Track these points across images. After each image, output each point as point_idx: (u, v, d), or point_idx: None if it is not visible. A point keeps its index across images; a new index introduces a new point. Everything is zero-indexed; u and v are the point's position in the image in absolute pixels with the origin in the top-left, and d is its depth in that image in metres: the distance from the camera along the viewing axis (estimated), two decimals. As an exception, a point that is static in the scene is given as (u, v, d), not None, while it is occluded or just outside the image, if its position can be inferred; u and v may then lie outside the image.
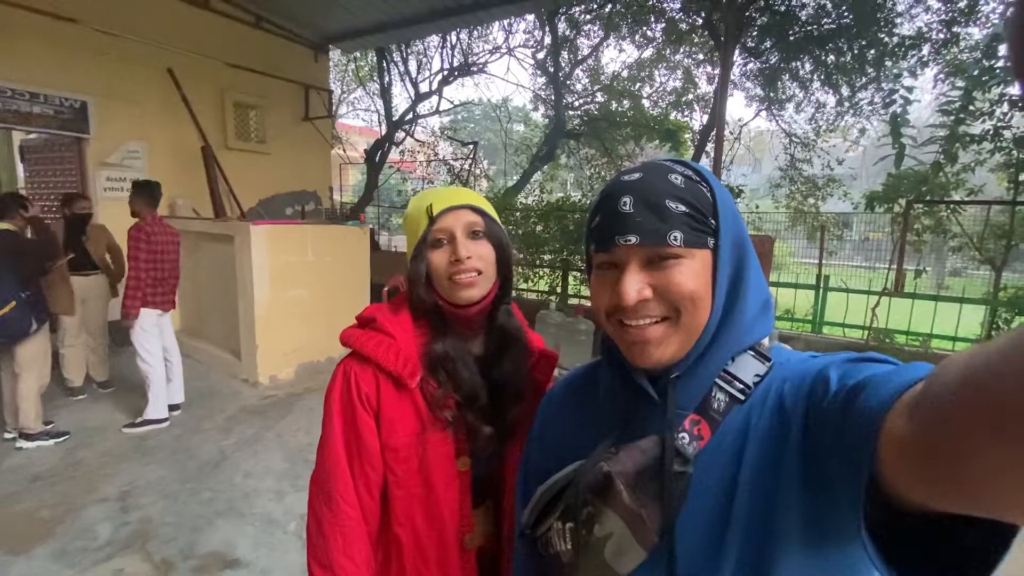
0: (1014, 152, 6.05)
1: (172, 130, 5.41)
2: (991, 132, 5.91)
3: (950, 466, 0.31)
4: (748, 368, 0.57)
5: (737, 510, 0.52)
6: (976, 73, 4.90)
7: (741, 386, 0.56)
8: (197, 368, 4.57)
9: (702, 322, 0.56)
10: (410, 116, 9.11)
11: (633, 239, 0.55)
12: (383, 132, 9.08)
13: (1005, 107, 5.80)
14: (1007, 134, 5.92)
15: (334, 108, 7.51)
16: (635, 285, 0.55)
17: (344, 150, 8.35)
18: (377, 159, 8.50)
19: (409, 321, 0.84)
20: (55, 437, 3.19)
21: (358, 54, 10.56)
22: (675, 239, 0.54)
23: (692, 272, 0.55)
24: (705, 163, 8.18)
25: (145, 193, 3.45)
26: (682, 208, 0.55)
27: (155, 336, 3.45)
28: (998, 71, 4.79)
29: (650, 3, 8.20)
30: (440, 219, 0.80)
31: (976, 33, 6.51)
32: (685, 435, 0.55)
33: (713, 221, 0.56)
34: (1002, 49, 5.02)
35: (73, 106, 4.70)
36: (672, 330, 0.56)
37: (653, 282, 0.55)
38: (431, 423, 0.80)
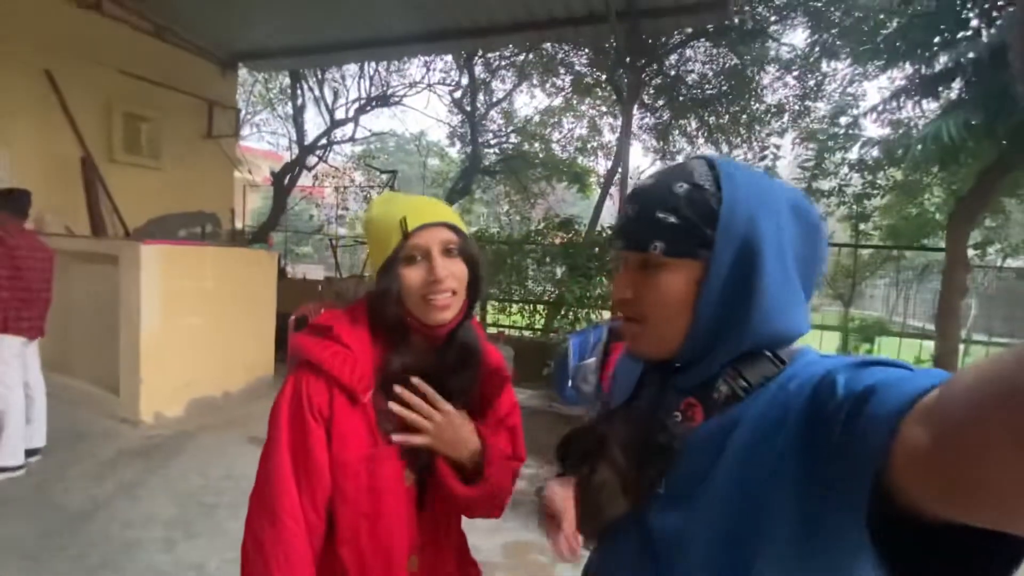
0: (854, 206, 7.30)
1: (44, 138, 4.80)
2: (836, 188, 7.12)
3: (967, 477, 0.31)
4: (759, 369, 0.57)
5: (709, 492, 0.54)
6: (824, 139, 5.90)
7: (745, 384, 0.56)
8: (61, 407, 3.93)
9: (676, 327, 0.59)
10: (323, 141, 8.88)
11: (620, 244, 0.63)
12: (292, 156, 8.75)
13: (846, 169, 7.04)
14: (848, 191, 7.16)
15: (239, 128, 7.12)
16: (620, 284, 0.63)
17: (251, 172, 7.89)
18: (286, 182, 8.14)
19: (367, 333, 0.81)
20: None
21: (267, 76, 10.17)
22: (655, 248, 0.58)
23: (668, 281, 0.58)
24: (609, 205, 8.87)
25: (10, 203, 3.01)
26: (671, 219, 0.57)
27: (16, 368, 2.97)
28: (840, 137, 5.79)
29: (559, 57, 8.89)
30: (415, 235, 0.78)
31: (823, 107, 7.88)
32: (678, 415, 0.60)
33: (710, 231, 0.56)
34: (843, 120, 6.11)
35: (-84, 101, 4.03)
36: (640, 330, 0.62)
37: (639, 285, 0.61)
38: (382, 439, 0.78)
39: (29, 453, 3.07)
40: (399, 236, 0.77)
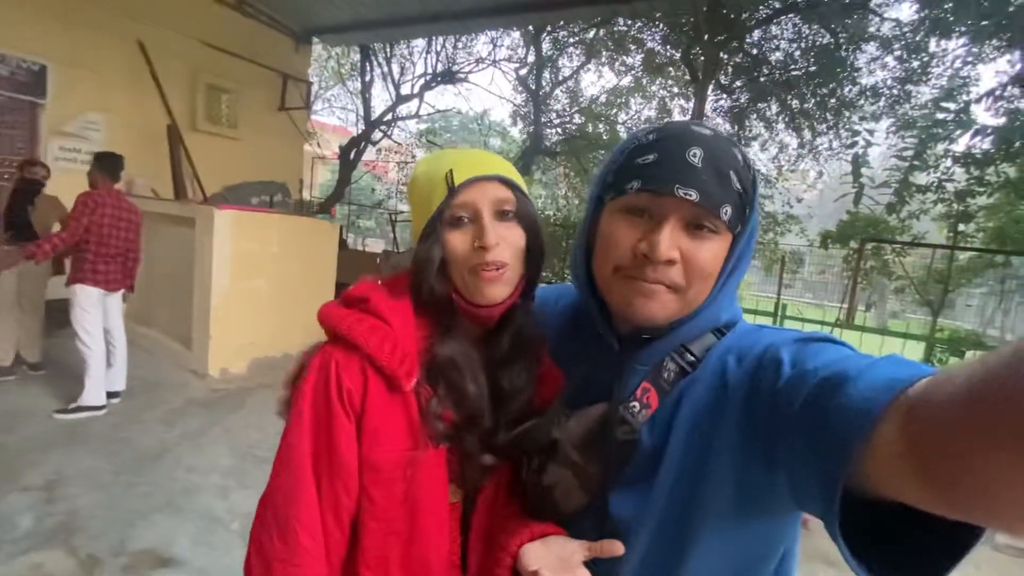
0: (954, 204, 6.55)
1: (136, 105, 5.16)
2: (936, 184, 6.39)
3: (952, 475, 0.31)
4: (702, 342, 0.59)
5: (663, 471, 0.55)
6: (927, 125, 5.30)
7: (692, 359, 0.58)
8: (142, 356, 4.29)
9: (700, 300, 0.57)
10: (389, 117, 9.03)
11: (694, 195, 0.52)
12: (359, 131, 8.96)
13: (949, 162, 6.29)
14: (949, 187, 6.41)
15: (311, 101, 7.36)
16: (668, 242, 0.53)
17: (318, 145, 8.18)
18: (352, 156, 8.36)
19: (410, 309, 0.66)
20: (-26, 419, 2.92)
21: (340, 51, 10.43)
22: (725, 214, 0.53)
23: (716, 252, 0.55)
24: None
25: (107, 165, 3.26)
26: (738, 186, 0.54)
27: (96, 316, 3.23)
28: (948, 124, 5.18)
29: (631, 33, 8.49)
30: (463, 191, 0.63)
31: (927, 92, 7.05)
32: (636, 404, 0.58)
33: (748, 211, 0.56)
34: (951, 106, 5.44)
35: (31, 69, 4.41)
36: (676, 299, 0.56)
37: (682, 247, 0.54)
38: (425, 439, 0.63)
39: (111, 395, 3.36)
40: (443, 192, 0.63)
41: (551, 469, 0.61)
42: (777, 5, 6.82)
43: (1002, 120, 5.39)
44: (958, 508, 0.33)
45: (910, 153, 4.98)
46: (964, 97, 5.96)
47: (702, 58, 5.71)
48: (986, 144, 5.64)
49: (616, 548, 0.56)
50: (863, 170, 5.20)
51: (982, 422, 0.29)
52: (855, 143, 5.73)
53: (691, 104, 7.98)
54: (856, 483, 0.38)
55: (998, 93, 4.21)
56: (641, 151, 0.56)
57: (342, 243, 7.11)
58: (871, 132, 5.71)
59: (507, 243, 0.63)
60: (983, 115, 6.16)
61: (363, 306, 0.65)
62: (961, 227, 6.79)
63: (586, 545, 0.58)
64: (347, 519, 0.63)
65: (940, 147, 6.25)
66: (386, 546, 0.63)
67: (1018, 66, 4.82)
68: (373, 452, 0.62)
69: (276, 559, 0.61)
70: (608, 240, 0.58)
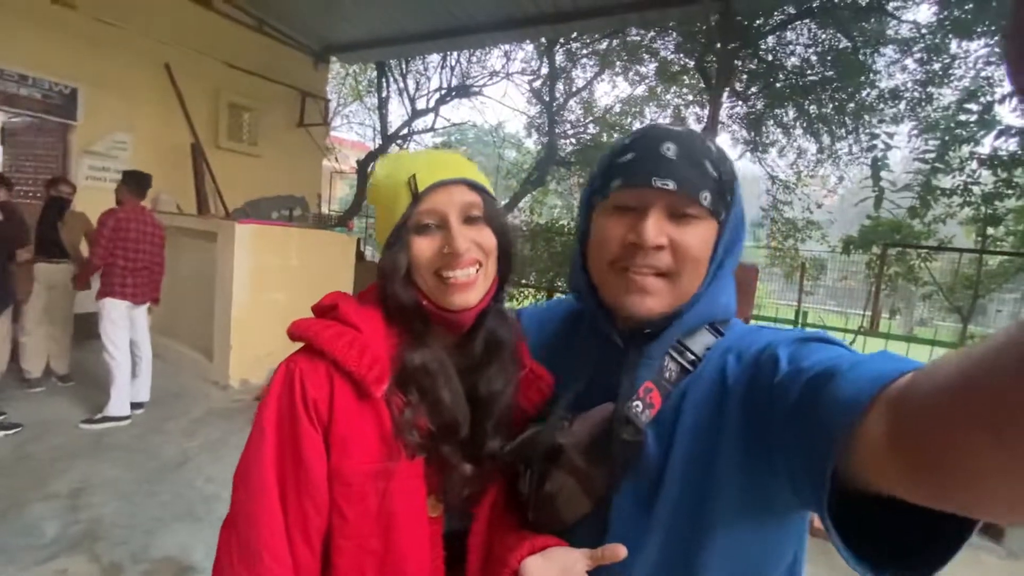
0: (982, 207, 6.36)
1: (162, 124, 5.34)
2: (961, 187, 6.22)
3: (939, 466, 0.31)
4: (701, 340, 0.60)
5: (669, 473, 0.55)
6: (949, 126, 5.18)
7: (692, 357, 0.59)
8: (166, 367, 4.40)
9: (694, 288, 0.58)
10: (405, 131, 9.18)
11: (671, 184, 0.55)
12: (376, 146, 9.13)
13: (975, 164, 6.13)
14: (976, 190, 6.23)
15: (329, 118, 7.53)
16: (656, 229, 0.56)
17: (336, 160, 8.35)
18: (369, 171, 8.51)
19: (380, 316, 0.64)
20: (6, 429, 3.01)
21: (357, 68, 10.67)
22: (705, 199, 0.56)
23: (703, 237, 0.57)
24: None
25: (133, 183, 3.39)
26: (714, 174, 0.57)
27: (123, 328, 3.32)
28: (972, 126, 5.06)
29: (644, 43, 8.51)
30: (428, 197, 0.61)
31: (949, 94, 6.90)
32: (639, 403, 0.58)
33: (729, 197, 0.59)
34: (973, 107, 5.32)
35: (63, 92, 4.61)
36: (668, 286, 0.57)
37: (669, 234, 0.56)
38: (398, 449, 0.60)
39: (135, 406, 3.44)
40: (408, 198, 0.61)
41: (554, 477, 0.60)
42: (792, 11, 6.77)
43: (1029, 121, 5.23)
44: (944, 498, 0.33)
45: (932, 155, 4.85)
46: (987, 98, 5.81)
47: (715, 66, 5.69)
48: (1012, 145, 5.48)
49: (619, 552, 0.55)
50: (883, 174, 5.09)
51: (963, 412, 0.29)
52: (874, 146, 5.61)
53: (706, 111, 7.94)
54: (849, 478, 0.39)
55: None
56: (620, 152, 0.59)
57: (359, 255, 7.20)
58: (891, 135, 5.59)
59: (477, 246, 0.62)
60: (1008, 116, 5.99)
61: (332, 314, 0.63)
62: (990, 231, 6.59)
63: (588, 553, 0.57)
64: (318, 538, 0.59)
65: (965, 149, 6.10)
66: (361, 565, 0.59)
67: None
68: (343, 464, 0.58)
69: None
70: (600, 238, 0.60)
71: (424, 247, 0.62)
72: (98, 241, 3.21)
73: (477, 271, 0.63)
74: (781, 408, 0.46)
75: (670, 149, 0.56)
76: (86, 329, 3.87)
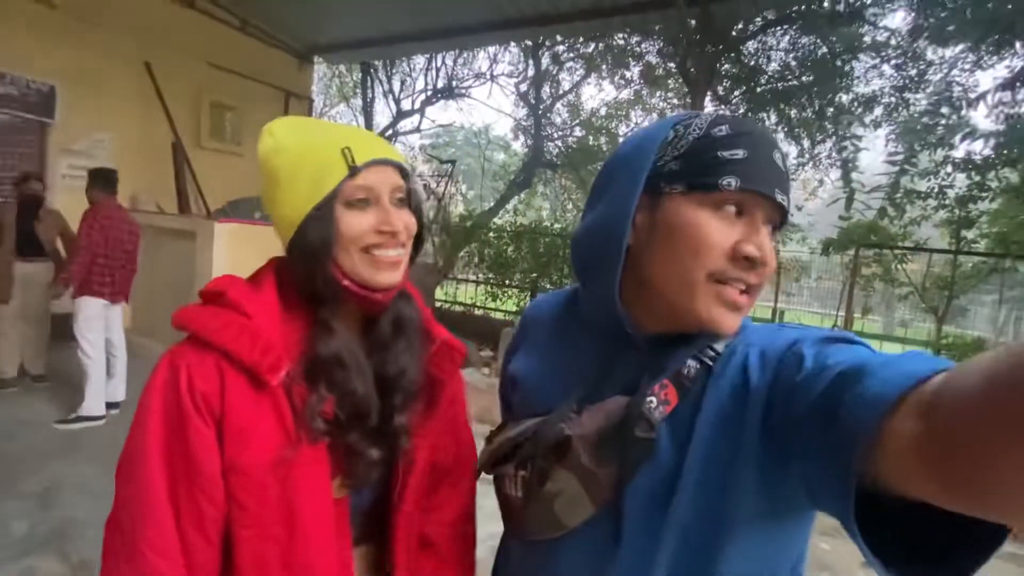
0: (956, 210, 6.52)
1: (143, 123, 5.30)
2: (936, 190, 6.37)
3: (970, 470, 0.30)
4: (722, 339, 0.57)
5: (686, 474, 0.51)
6: (919, 129, 5.32)
7: (713, 353, 0.55)
8: (144, 367, 4.33)
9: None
10: (390, 132, 9.18)
11: (786, 201, 0.52)
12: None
13: (949, 168, 6.28)
14: (950, 193, 6.38)
15: (314, 118, 7.52)
16: (769, 246, 0.52)
17: (321, 160, 8.31)
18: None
19: (275, 301, 0.62)
20: (-24, 429, 2.98)
21: (343, 69, 10.66)
22: (792, 214, 0.56)
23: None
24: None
25: (101, 180, 3.35)
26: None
27: (99, 327, 3.30)
28: (940, 129, 5.19)
29: (629, 47, 8.60)
30: (365, 172, 0.59)
31: (923, 99, 7.05)
32: (653, 399, 0.54)
33: None
34: (945, 110, 5.45)
35: (40, 90, 4.57)
36: (748, 302, 0.54)
37: None
38: (299, 436, 0.58)
39: (110, 405, 3.41)
40: (343, 171, 0.58)
41: (557, 475, 0.55)
42: (771, 16, 6.89)
43: (1002, 126, 5.38)
44: (973, 503, 0.32)
45: (900, 158, 4.98)
46: (961, 101, 5.95)
47: (693, 71, 5.79)
48: (987, 149, 5.62)
49: None
50: (855, 175, 5.21)
51: (997, 414, 0.28)
52: (844, 148, 5.75)
53: (689, 115, 8.03)
54: (872, 481, 0.37)
55: (995, 99, 4.21)
56: (721, 144, 0.52)
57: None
58: (859, 138, 5.73)
59: (407, 228, 0.63)
60: (983, 121, 6.14)
61: (220, 301, 0.60)
62: (965, 233, 6.74)
63: None
64: (215, 531, 0.57)
65: (940, 153, 6.24)
66: (264, 553, 0.58)
67: (1016, 69, 4.84)
68: (240, 456, 0.56)
69: None
70: (700, 239, 0.52)
71: (356, 222, 0.59)
72: (89, 239, 3.18)
73: (403, 251, 0.63)
74: (803, 406, 0.43)
75: (779, 158, 0.52)
76: (63, 330, 3.83)
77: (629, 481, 0.54)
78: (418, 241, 0.68)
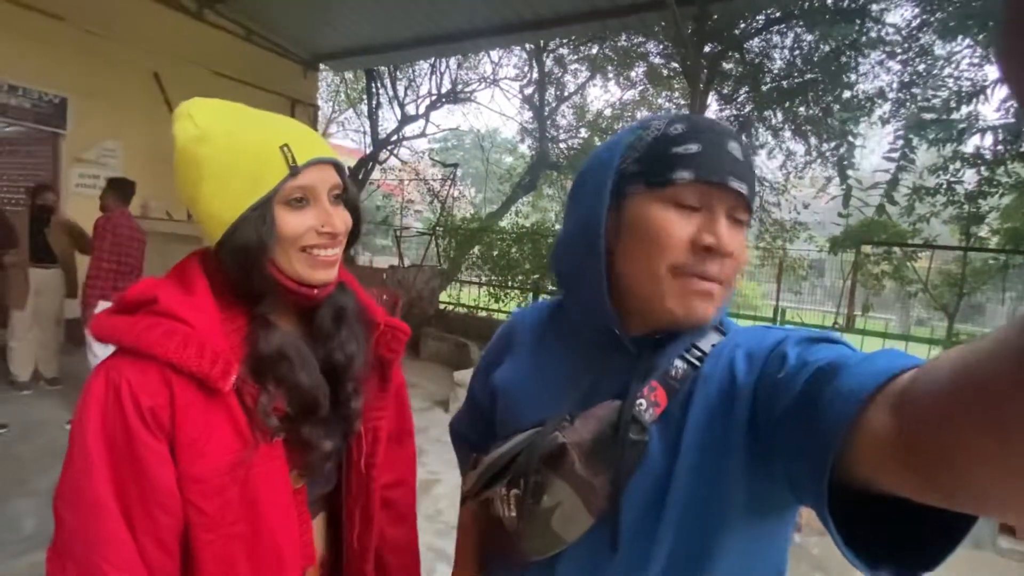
0: (965, 206, 6.42)
1: (152, 132, 5.42)
2: (944, 186, 6.28)
3: (940, 463, 0.31)
4: (708, 339, 0.57)
5: (678, 476, 0.52)
6: (925, 124, 5.26)
7: (699, 354, 0.56)
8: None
9: (730, 294, 0.57)
10: (395, 137, 9.28)
11: (744, 188, 0.53)
12: (368, 151, 9.23)
13: (958, 163, 6.19)
14: (959, 189, 6.29)
15: (324, 127, 7.63)
16: (728, 235, 0.53)
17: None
18: (360, 177, 8.60)
19: (211, 302, 0.60)
20: (-9, 430, 3.08)
21: (351, 76, 10.80)
22: (755, 207, 0.56)
23: (744, 244, 0.55)
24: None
25: (118, 189, 3.46)
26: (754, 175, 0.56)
27: (108, 331, 3.39)
28: (945, 124, 5.13)
29: (633, 48, 8.61)
30: (305, 172, 0.59)
31: (932, 94, 6.95)
32: (643, 401, 0.54)
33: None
34: (952, 104, 5.38)
35: (52, 101, 4.71)
36: (720, 293, 0.54)
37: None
38: (255, 436, 0.58)
39: (119, 407, 3.49)
40: (283, 170, 0.57)
41: (552, 487, 0.54)
42: (775, 14, 6.86)
43: (1011, 120, 5.29)
44: (944, 495, 0.32)
45: (897, 154, 4.93)
46: (969, 96, 5.87)
47: (694, 69, 5.79)
48: (996, 144, 5.53)
49: None
50: (852, 172, 5.17)
51: (963, 408, 0.28)
52: (843, 144, 5.70)
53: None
54: (847, 474, 0.38)
55: (1005, 92, 4.14)
56: (674, 142, 0.53)
57: (351, 259, 7.28)
58: (855, 135, 5.68)
59: (344, 225, 0.64)
60: (992, 115, 6.04)
61: (151, 308, 0.57)
62: (974, 229, 6.63)
63: None
64: (172, 539, 0.57)
65: (948, 148, 6.15)
66: (228, 553, 0.58)
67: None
68: (195, 466, 0.56)
69: None
70: (659, 234, 0.53)
71: (295, 222, 0.59)
72: (102, 247, 3.27)
73: (341, 249, 0.65)
74: (783, 404, 0.45)
75: (735, 149, 0.53)
76: (78, 334, 3.94)
77: (625, 487, 0.53)
78: (353, 235, 0.68)
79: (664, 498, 0.52)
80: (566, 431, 0.55)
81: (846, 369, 0.40)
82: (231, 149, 0.58)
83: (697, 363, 0.55)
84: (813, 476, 0.39)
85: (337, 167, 0.64)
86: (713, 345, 0.56)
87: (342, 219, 0.63)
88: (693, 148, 0.52)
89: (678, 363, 0.55)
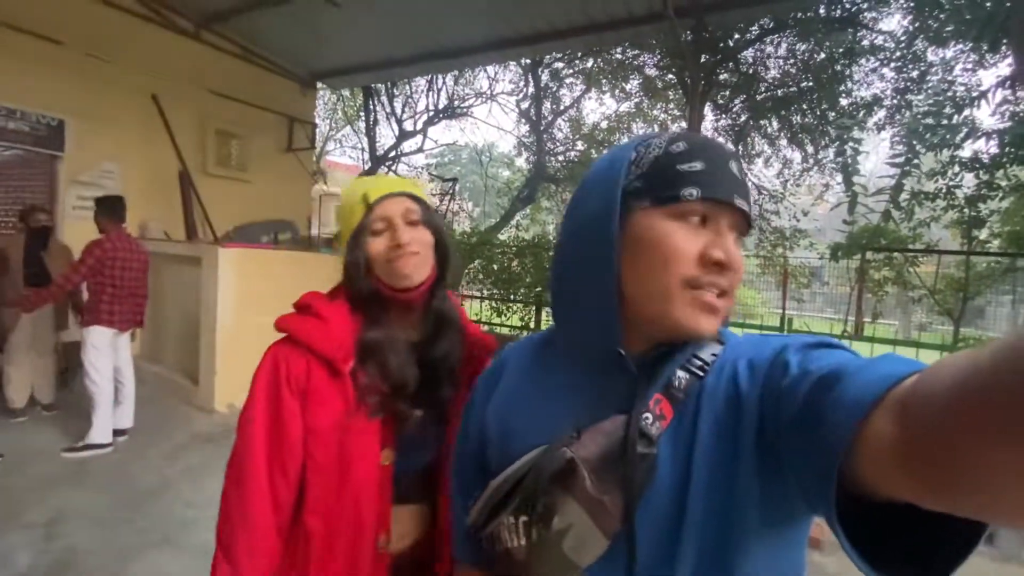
0: (965, 210, 6.42)
1: (150, 153, 5.42)
2: (944, 191, 6.28)
3: (943, 470, 0.31)
4: (707, 348, 0.57)
5: (694, 491, 0.51)
6: (922, 130, 5.26)
7: (700, 363, 0.56)
8: (152, 393, 4.38)
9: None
10: (394, 153, 9.31)
11: (745, 206, 0.55)
12: (367, 168, 9.24)
13: (956, 168, 6.20)
14: (959, 193, 6.29)
15: (322, 144, 7.64)
16: (734, 250, 0.54)
17: (326, 183, 8.44)
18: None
19: (346, 308, 0.85)
20: (-15, 459, 3.00)
21: (348, 93, 10.87)
22: (753, 222, 0.58)
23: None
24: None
25: (107, 208, 3.41)
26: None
27: (107, 356, 3.33)
28: (942, 129, 5.13)
29: (628, 60, 8.68)
30: (378, 207, 0.83)
31: (927, 101, 7.00)
32: (649, 415, 0.53)
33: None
34: (948, 110, 5.40)
35: (50, 124, 4.69)
36: (724, 306, 0.55)
37: None
38: (357, 411, 0.80)
39: (117, 432, 3.42)
40: (363, 210, 0.82)
41: (562, 508, 0.52)
42: (770, 24, 6.92)
43: (1008, 124, 5.31)
44: (949, 502, 0.32)
45: (901, 160, 4.92)
46: (964, 101, 5.90)
47: (690, 80, 5.81)
48: (993, 147, 5.55)
49: None
50: (856, 179, 5.17)
51: (965, 414, 0.28)
52: (844, 151, 5.71)
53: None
54: (855, 482, 0.38)
55: (1000, 96, 4.16)
56: (680, 159, 0.55)
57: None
58: (858, 141, 5.69)
59: (416, 240, 0.83)
60: (988, 119, 6.08)
61: (306, 311, 0.85)
62: (974, 232, 6.63)
63: None
64: (294, 476, 0.80)
65: (946, 153, 6.17)
66: (325, 496, 0.80)
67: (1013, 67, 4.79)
68: (315, 419, 0.79)
69: (233, 501, 0.80)
70: (670, 248, 0.54)
71: (378, 244, 0.83)
72: (76, 268, 3.22)
73: (416, 257, 0.83)
74: (788, 414, 0.45)
75: (735, 168, 0.56)
76: (75, 359, 3.87)
77: (637, 504, 0.52)
78: (441, 252, 0.88)
79: (681, 515, 0.50)
80: (573, 446, 0.54)
81: (847, 377, 0.40)
82: (343, 207, 0.87)
83: (699, 372, 0.55)
84: (820, 486, 0.39)
85: (412, 198, 0.85)
86: (713, 354, 0.57)
87: (411, 235, 0.82)
88: (697, 166, 0.54)
89: (680, 374, 0.56)
